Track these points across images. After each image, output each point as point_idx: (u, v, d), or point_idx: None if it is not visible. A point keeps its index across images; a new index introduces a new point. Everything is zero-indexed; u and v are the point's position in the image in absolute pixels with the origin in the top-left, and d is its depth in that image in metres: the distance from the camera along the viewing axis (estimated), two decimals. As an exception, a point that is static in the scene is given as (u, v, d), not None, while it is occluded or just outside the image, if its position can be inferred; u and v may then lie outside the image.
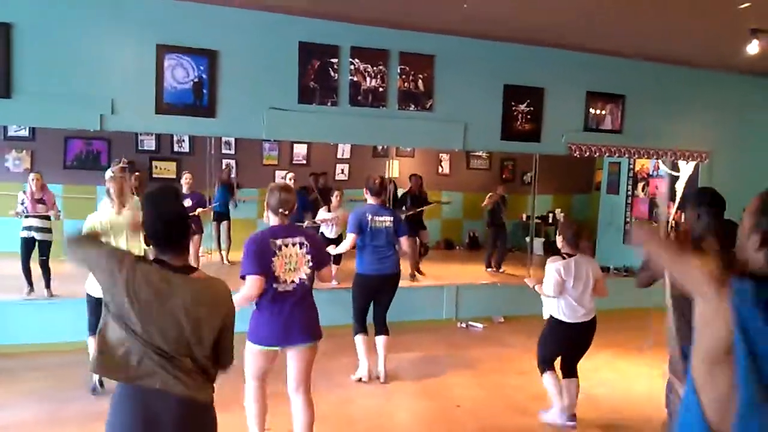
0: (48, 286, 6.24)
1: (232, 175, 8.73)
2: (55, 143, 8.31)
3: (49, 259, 6.38)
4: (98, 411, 4.24)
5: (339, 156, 9.94)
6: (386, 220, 4.83)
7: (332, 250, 4.97)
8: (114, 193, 4.37)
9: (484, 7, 5.12)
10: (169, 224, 2.11)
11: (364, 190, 5.00)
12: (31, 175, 6.53)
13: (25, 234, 6.36)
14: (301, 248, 3.34)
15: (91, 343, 4.47)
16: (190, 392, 2.03)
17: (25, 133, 8.32)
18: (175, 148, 8.81)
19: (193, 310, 2.04)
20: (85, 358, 4.50)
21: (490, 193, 8.85)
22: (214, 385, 2.17)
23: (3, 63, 4.78)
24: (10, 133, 8.31)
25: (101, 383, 4.46)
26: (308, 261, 3.36)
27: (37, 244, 6.40)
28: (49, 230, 6.45)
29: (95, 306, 4.43)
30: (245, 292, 3.26)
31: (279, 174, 9.39)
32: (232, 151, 9.02)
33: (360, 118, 5.90)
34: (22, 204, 6.37)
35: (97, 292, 4.36)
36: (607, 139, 6.97)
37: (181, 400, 2.01)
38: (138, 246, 4.39)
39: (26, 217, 6.34)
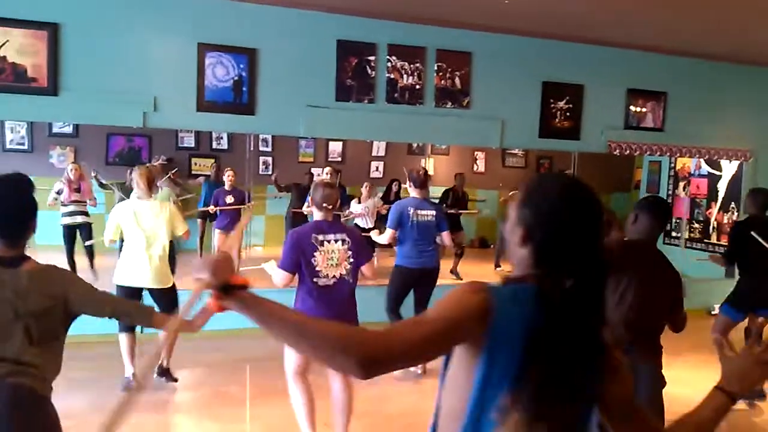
0: (92, 266, 6.46)
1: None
2: (97, 140, 8.52)
3: (93, 245, 6.58)
4: (144, 399, 4.36)
5: (374, 153, 9.97)
6: (429, 214, 4.81)
7: (375, 235, 4.99)
8: (140, 183, 4.47)
9: (526, 2, 5.07)
10: (4, 213, 2.08)
11: (408, 183, 5.02)
12: (70, 165, 6.80)
13: (66, 221, 6.61)
14: (343, 244, 3.41)
15: (124, 341, 4.54)
16: (20, 380, 2.01)
17: (68, 129, 8.55)
18: (214, 145, 8.96)
19: (21, 302, 2.03)
20: (119, 350, 4.59)
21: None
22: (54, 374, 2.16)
23: (51, 62, 4.91)
24: (55, 129, 8.56)
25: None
26: (349, 257, 3.43)
27: (78, 230, 6.64)
28: (87, 214, 6.70)
29: (126, 296, 4.50)
30: (275, 278, 3.42)
31: (315, 171, 9.47)
32: (269, 149, 9.12)
33: (397, 115, 5.90)
34: (58, 193, 6.60)
35: (128, 281, 4.46)
36: (649, 137, 6.83)
37: (12, 388, 1.99)
38: (176, 225, 4.49)
39: (64, 204, 6.59)
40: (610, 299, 2.76)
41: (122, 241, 4.52)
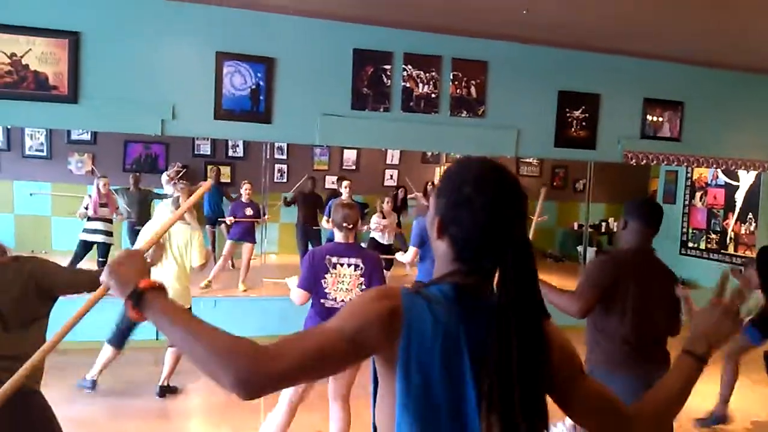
0: None
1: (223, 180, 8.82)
2: (115, 147, 8.63)
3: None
4: (160, 407, 4.40)
5: (388, 161, 10.00)
6: None
7: (400, 256, 4.98)
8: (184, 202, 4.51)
9: (544, 13, 5.07)
10: None
11: (423, 198, 5.02)
12: (102, 180, 6.84)
13: (86, 237, 6.63)
14: (356, 270, 3.41)
15: (107, 352, 4.54)
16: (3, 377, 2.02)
17: (87, 136, 8.66)
18: (230, 153, 9.04)
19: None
20: (136, 356, 4.63)
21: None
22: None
23: (72, 70, 4.98)
24: (73, 136, 8.68)
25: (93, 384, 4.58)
26: (361, 284, 3.42)
27: (97, 246, 6.67)
28: (110, 233, 6.75)
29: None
30: (292, 296, 3.46)
31: (329, 179, 9.52)
32: (284, 156, 9.18)
33: (412, 124, 5.91)
34: (86, 208, 6.66)
35: None
36: (665, 147, 6.78)
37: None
38: (194, 254, 4.51)
39: (89, 219, 6.62)
40: (611, 314, 2.72)
41: None
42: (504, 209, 1.14)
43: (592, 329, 2.82)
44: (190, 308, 4.62)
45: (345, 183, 7.44)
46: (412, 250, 4.84)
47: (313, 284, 3.38)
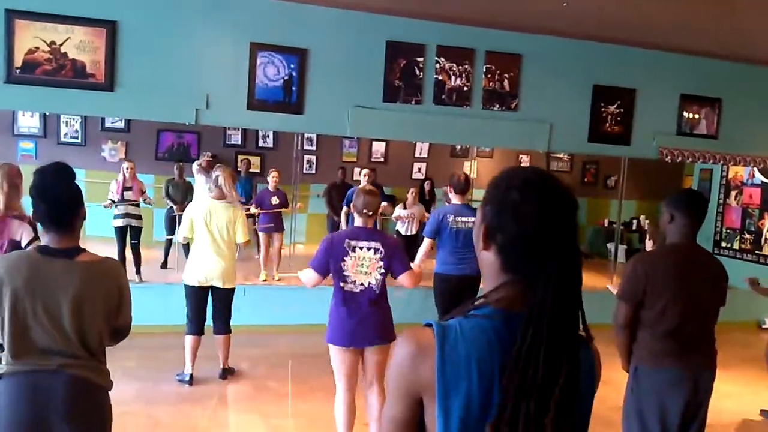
0: (138, 271, 6.57)
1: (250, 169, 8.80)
2: (148, 135, 8.74)
3: (140, 244, 6.75)
4: (189, 392, 4.46)
5: (417, 155, 9.98)
6: (469, 221, 4.69)
7: (414, 266, 4.95)
8: (226, 183, 4.58)
9: (584, 5, 4.99)
10: (52, 203, 2.04)
11: (448, 188, 4.97)
12: (126, 164, 6.87)
13: (119, 222, 6.73)
14: (375, 253, 3.41)
15: (189, 343, 4.62)
16: (80, 372, 2.05)
17: (120, 124, 8.79)
18: (260, 143, 9.10)
19: (77, 295, 2.03)
20: (172, 341, 4.71)
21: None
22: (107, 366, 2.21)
23: (109, 58, 5.04)
24: (107, 124, 8.81)
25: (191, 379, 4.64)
26: (380, 267, 3.41)
27: (129, 229, 6.75)
28: (139, 217, 6.82)
29: (196, 296, 4.57)
30: (303, 278, 3.50)
31: (357, 171, 9.53)
32: (314, 148, 9.22)
33: (443, 117, 5.87)
34: (112, 193, 6.72)
35: (197, 280, 4.53)
36: (702, 144, 6.64)
37: (71, 380, 2.03)
38: (239, 231, 4.58)
39: (118, 205, 6.69)
40: (652, 311, 2.68)
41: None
42: (551, 216, 1.10)
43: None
44: (233, 289, 4.72)
45: (364, 171, 7.41)
46: (426, 242, 4.78)
47: (326, 267, 3.39)
